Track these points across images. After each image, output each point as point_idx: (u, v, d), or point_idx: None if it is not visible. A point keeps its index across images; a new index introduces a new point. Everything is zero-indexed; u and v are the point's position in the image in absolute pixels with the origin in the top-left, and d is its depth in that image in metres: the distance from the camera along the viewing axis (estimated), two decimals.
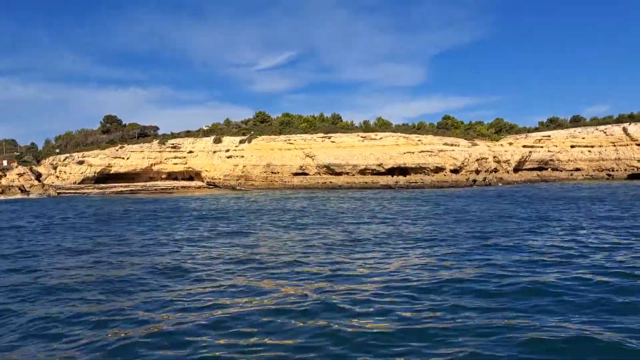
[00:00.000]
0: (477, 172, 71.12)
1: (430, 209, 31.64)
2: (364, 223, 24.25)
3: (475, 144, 78.12)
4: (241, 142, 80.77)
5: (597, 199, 36.31)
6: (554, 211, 27.72)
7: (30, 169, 77.58)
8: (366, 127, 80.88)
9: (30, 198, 60.51)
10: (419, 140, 70.49)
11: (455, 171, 68.75)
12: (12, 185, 63.88)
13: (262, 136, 79.09)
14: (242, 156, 77.74)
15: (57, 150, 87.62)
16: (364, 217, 27.41)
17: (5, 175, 69.14)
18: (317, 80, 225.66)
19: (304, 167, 74.33)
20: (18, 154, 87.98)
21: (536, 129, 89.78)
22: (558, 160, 78.29)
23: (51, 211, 37.52)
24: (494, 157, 76.31)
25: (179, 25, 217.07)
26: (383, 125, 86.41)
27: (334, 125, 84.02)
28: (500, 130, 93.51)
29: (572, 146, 78.54)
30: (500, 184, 66.65)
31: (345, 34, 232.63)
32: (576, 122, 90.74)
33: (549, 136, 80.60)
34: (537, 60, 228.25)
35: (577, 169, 76.79)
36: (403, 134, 74.81)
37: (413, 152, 68.73)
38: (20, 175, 73.98)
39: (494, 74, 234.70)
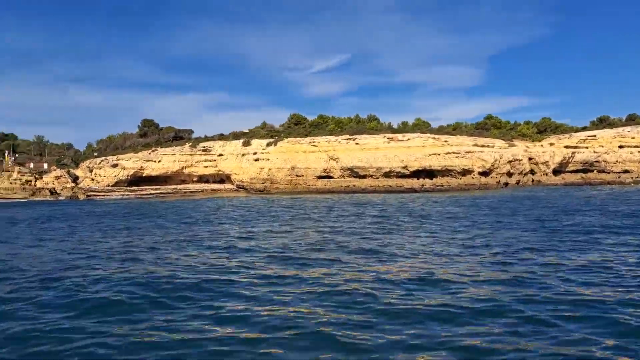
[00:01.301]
0: (510, 174, 66.57)
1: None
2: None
3: (513, 145, 73.39)
4: (268, 145, 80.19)
5: None
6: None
7: (68, 172, 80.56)
8: (395, 128, 78.09)
9: (58, 200, 62.66)
10: (445, 142, 66.92)
11: (484, 173, 64.62)
12: (43, 188, 66.28)
13: (288, 139, 78.12)
14: (268, 159, 77.06)
15: (95, 154, 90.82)
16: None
17: (41, 178, 72.01)
18: (370, 83, 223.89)
19: (328, 170, 72.60)
20: (57, 157, 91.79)
21: (583, 129, 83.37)
22: (605, 161, 71.95)
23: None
24: (530, 158, 71.30)
25: (236, 33, 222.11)
26: (415, 127, 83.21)
27: (362, 126, 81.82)
28: (544, 130, 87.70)
29: (620, 146, 71.95)
30: (537, 187, 62.02)
31: (399, 37, 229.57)
32: (631, 120, 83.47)
33: (595, 136, 74.31)
34: (597, 60, 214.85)
35: (626, 171, 70.24)
36: (433, 135, 71.37)
37: (439, 154, 65.30)
38: (57, 178, 76.95)
39: (551, 74, 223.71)
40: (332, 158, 72.31)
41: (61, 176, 77.69)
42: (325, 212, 33.95)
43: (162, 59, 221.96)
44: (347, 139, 72.76)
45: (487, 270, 12.75)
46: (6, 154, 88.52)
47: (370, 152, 69.21)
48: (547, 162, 71.59)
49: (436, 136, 71.40)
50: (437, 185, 64.18)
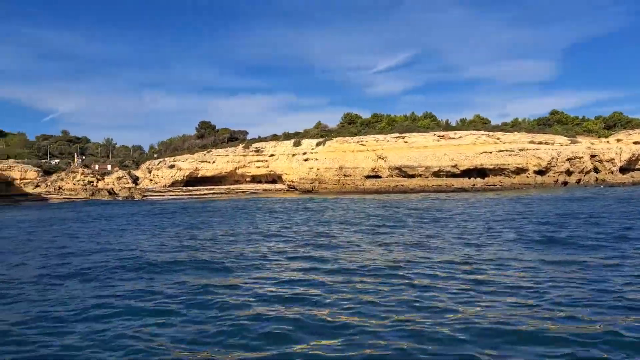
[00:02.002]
0: (569, 173, 62.25)
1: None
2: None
3: (576, 141, 68.66)
4: (317, 144, 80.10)
5: None
6: None
7: (129, 173, 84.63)
8: (447, 126, 75.45)
9: (116, 200, 65.98)
10: (498, 139, 63.68)
11: (540, 172, 60.89)
12: (103, 189, 69.94)
13: (337, 138, 77.59)
14: (317, 159, 76.97)
15: (155, 155, 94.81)
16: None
17: (103, 179, 76.08)
18: (436, 80, 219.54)
19: (376, 170, 71.41)
20: (120, 159, 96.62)
21: None
22: None
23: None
24: (593, 155, 66.34)
25: (301, 35, 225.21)
26: (470, 124, 79.92)
27: (414, 124, 79.75)
28: (614, 125, 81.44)
29: None
30: (602, 186, 57.50)
31: (467, 32, 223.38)
32: None
33: None
34: None
35: None
36: (486, 133, 68.21)
37: (491, 152, 62.31)
38: (119, 179, 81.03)
39: (632, 66, 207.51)
40: (380, 157, 71.03)
41: (122, 177, 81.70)
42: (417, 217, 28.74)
43: (229, 62, 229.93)
44: (396, 138, 71.16)
45: None
46: (75, 156, 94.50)
47: (418, 151, 67.30)
48: (613, 159, 66.30)
49: (490, 133, 68.22)
50: (489, 185, 61.32)
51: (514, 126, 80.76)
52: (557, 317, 8.40)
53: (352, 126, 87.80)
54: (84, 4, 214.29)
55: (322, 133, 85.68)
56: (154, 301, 10.47)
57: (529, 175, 60.75)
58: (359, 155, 73.05)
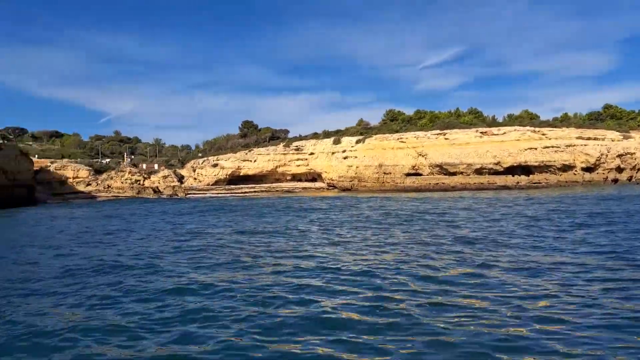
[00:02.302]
0: (620, 169, 59.05)
1: None
2: None
3: (629, 136, 65.14)
4: (357, 142, 79.71)
5: None
6: None
7: (174, 172, 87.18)
8: (490, 122, 73.30)
9: (160, 198, 68.12)
10: (543, 135, 61.23)
11: (588, 169, 58.08)
12: (148, 187, 72.35)
13: (376, 135, 76.92)
14: (356, 157, 76.60)
15: (200, 154, 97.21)
16: None
17: (149, 178, 78.70)
18: (487, 75, 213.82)
19: (416, 167, 70.28)
20: (167, 158, 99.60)
21: None
22: None
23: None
24: None
25: (347, 33, 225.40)
26: (515, 120, 77.31)
27: (456, 120, 77.93)
28: None
29: None
30: None
31: (518, 25, 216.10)
32: None
33: None
34: None
35: None
36: (532, 128, 65.76)
37: (535, 148, 60.02)
38: (165, 177, 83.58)
39: None
40: (420, 154, 69.89)
41: (168, 176, 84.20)
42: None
43: (275, 62, 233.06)
44: (437, 135, 69.85)
45: None
46: (125, 156, 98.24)
47: (460, 148, 65.75)
48: None
49: (536, 129, 65.72)
50: (534, 183, 59.14)
51: (563, 121, 77.61)
52: None
53: (394, 123, 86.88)
54: (136, 8, 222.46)
55: (362, 130, 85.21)
56: None
57: (576, 173, 58.11)
58: (398, 153, 72.15)
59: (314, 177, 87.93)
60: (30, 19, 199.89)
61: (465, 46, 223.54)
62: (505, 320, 8.03)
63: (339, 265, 13.17)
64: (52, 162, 78.15)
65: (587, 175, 57.48)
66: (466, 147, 64.93)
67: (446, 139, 67.63)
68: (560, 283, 10.33)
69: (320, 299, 9.65)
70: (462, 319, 8.11)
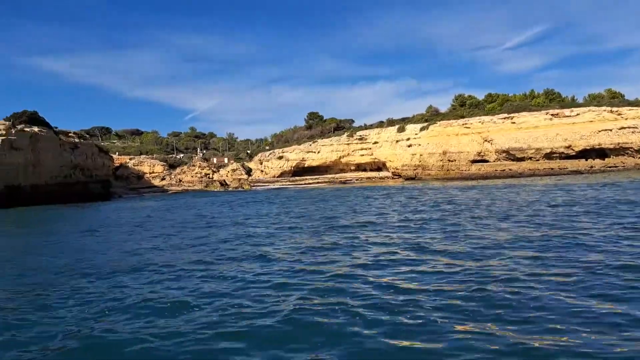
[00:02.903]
0: None
1: None
2: None
3: None
4: (421, 129, 77.80)
5: None
6: None
7: (242, 165, 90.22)
8: (564, 103, 68.48)
9: (227, 190, 70.92)
10: (619, 115, 56.28)
11: None
12: (215, 180, 75.48)
13: (440, 122, 74.59)
14: (419, 144, 74.85)
15: (267, 148, 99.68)
16: None
17: (218, 172, 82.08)
18: (575, 54, 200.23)
19: (482, 154, 67.46)
20: (238, 152, 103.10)
21: None
22: None
23: None
24: None
25: (423, 18, 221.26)
26: (594, 100, 71.59)
27: (525, 103, 73.63)
28: None
29: None
30: None
31: None
32: None
33: None
34: None
35: None
36: (609, 108, 60.63)
37: (610, 130, 55.38)
38: (233, 170, 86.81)
39: None
40: (486, 140, 67.02)
41: (237, 169, 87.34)
42: None
43: (350, 52, 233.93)
44: (504, 119, 66.50)
45: None
46: (198, 151, 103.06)
47: (527, 132, 62.23)
48: None
49: (614, 109, 60.51)
50: (609, 167, 54.73)
51: None
52: None
53: (463, 109, 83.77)
54: (214, 8, 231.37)
55: (428, 117, 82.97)
56: None
57: None
58: (463, 139, 69.61)
59: (379, 166, 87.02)
60: (121, 23, 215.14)
61: (550, 24, 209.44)
62: None
63: None
64: (130, 159, 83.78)
65: None
66: (534, 131, 61.33)
67: (513, 122, 64.26)
68: None
69: None
70: None
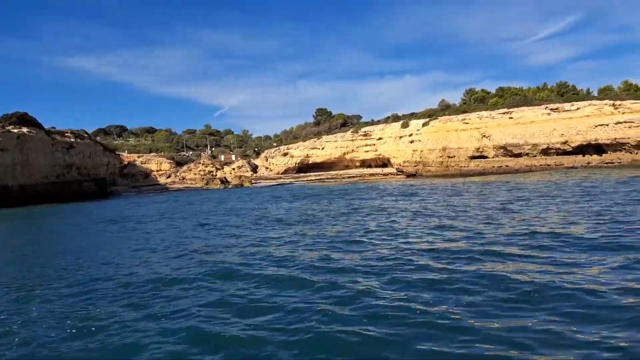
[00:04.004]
0: None
1: None
2: None
3: None
4: (423, 125, 76.86)
5: None
6: None
7: (248, 162, 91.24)
8: (585, 95, 66.22)
9: (227, 188, 72.00)
10: (616, 109, 54.18)
11: None
12: (216, 178, 76.62)
13: (441, 117, 73.53)
14: (420, 140, 74.03)
15: (275, 144, 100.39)
16: None
17: (222, 169, 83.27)
18: (610, 44, 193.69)
19: (481, 149, 66.21)
20: (246, 149, 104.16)
21: None
22: None
23: None
24: None
25: (449, 11, 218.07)
26: (602, 93, 69.06)
27: (524, 97, 71.73)
28: None
29: None
30: None
31: None
32: None
33: None
34: None
35: None
36: (611, 102, 58.32)
37: (607, 125, 53.36)
38: (239, 167, 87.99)
39: None
40: (484, 136, 65.72)
41: (242, 166, 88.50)
42: None
43: (377, 46, 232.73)
44: (502, 114, 65.01)
45: None
46: (207, 148, 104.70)
47: (524, 127, 60.72)
48: None
49: (617, 102, 58.20)
50: (606, 163, 52.89)
51: None
52: None
53: (467, 104, 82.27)
54: (241, 3, 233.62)
55: (431, 113, 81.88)
56: None
57: None
58: (462, 135, 68.47)
59: (384, 162, 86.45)
60: (148, 21, 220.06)
61: (583, 13, 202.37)
62: None
63: None
64: (139, 157, 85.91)
65: None
66: (531, 126, 59.81)
67: (510, 117, 62.80)
68: None
69: None
70: None
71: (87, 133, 63.37)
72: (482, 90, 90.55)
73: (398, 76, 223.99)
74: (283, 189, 57.50)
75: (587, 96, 64.59)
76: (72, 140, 55.72)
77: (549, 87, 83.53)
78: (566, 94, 75.02)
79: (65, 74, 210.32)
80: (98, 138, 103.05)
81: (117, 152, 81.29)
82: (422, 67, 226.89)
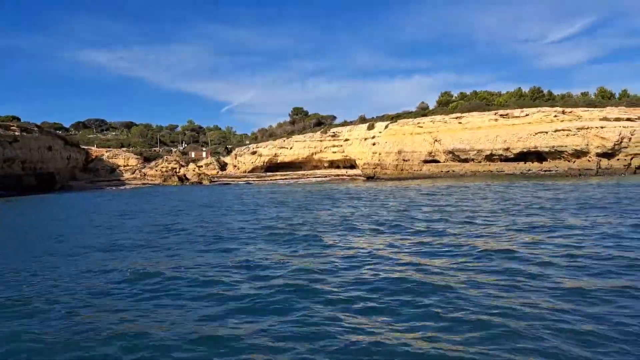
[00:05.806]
0: None
1: None
2: None
3: None
4: (385, 127, 76.57)
5: None
6: None
7: (217, 160, 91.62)
8: (522, 102, 65.51)
9: (184, 185, 72.44)
10: (555, 117, 53.54)
11: (606, 155, 49.54)
12: (174, 175, 77.06)
13: (399, 120, 73.23)
14: (379, 143, 73.83)
15: (247, 142, 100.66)
16: None
17: (186, 166, 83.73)
18: (626, 47, 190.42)
19: (432, 154, 65.92)
20: (216, 145, 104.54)
21: None
22: None
23: None
24: None
25: (462, 10, 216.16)
26: (561, 99, 68.28)
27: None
28: None
29: None
30: None
31: None
32: None
33: None
34: None
35: None
36: (562, 109, 57.53)
37: (546, 132, 52.73)
38: (207, 165, 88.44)
39: None
40: (436, 140, 65.41)
41: (210, 163, 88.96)
42: None
43: (387, 46, 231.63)
44: (455, 118, 64.58)
45: None
46: (179, 144, 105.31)
47: (471, 132, 60.37)
48: None
49: (567, 110, 57.41)
50: (545, 170, 52.34)
51: (622, 98, 66.59)
52: None
53: (445, 108, 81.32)
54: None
55: (394, 115, 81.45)
56: None
57: (590, 159, 49.98)
58: (417, 139, 68.22)
59: (352, 164, 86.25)
60: (162, 17, 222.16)
61: (598, 16, 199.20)
62: None
63: None
64: (107, 152, 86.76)
65: (605, 162, 49.06)
66: (477, 132, 59.43)
67: (460, 122, 62.51)
68: None
69: None
70: None
71: (38, 126, 64.03)
72: (446, 93, 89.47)
73: (408, 76, 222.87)
74: (239, 189, 57.44)
75: (546, 102, 63.67)
76: (17, 134, 56.48)
77: (523, 92, 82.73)
78: (539, 99, 74.20)
79: (79, 67, 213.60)
80: (77, 132, 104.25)
81: (84, 147, 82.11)
82: (433, 67, 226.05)
